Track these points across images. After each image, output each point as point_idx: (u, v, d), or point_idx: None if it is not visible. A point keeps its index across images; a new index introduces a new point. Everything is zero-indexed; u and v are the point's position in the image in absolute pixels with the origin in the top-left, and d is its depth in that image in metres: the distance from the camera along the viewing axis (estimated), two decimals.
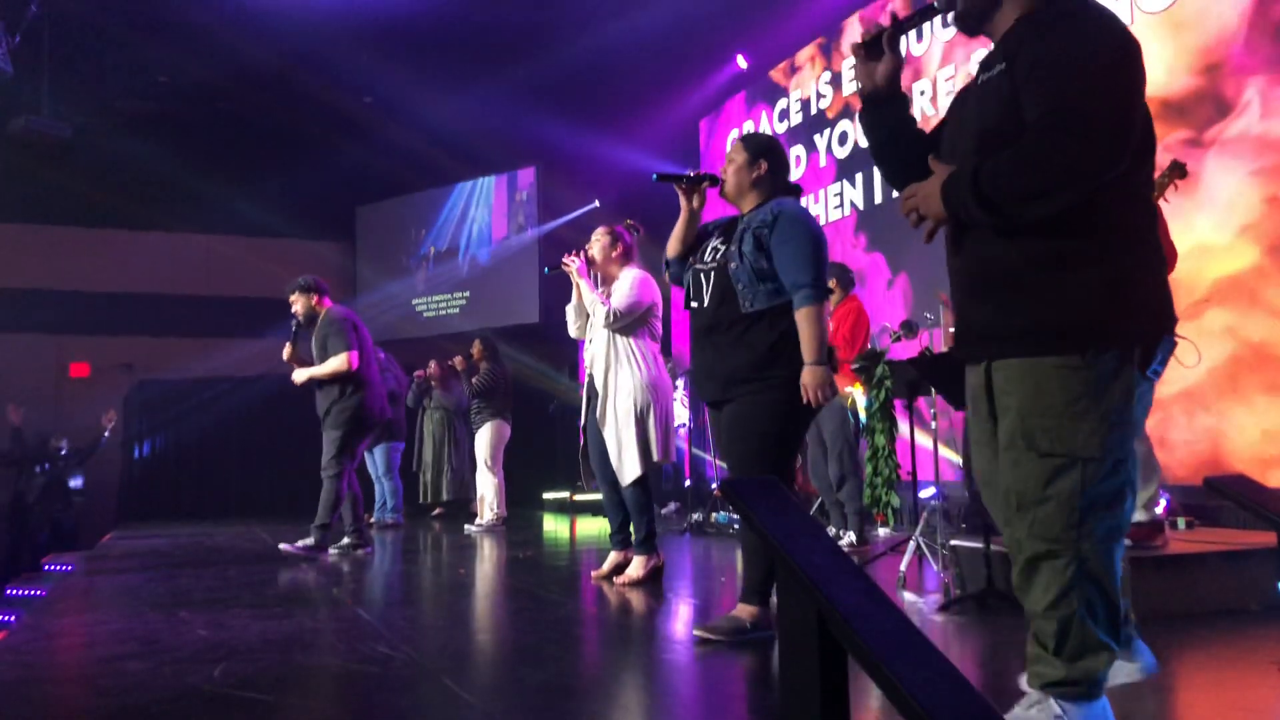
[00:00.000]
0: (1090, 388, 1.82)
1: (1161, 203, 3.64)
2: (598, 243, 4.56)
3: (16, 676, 2.83)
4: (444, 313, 12.97)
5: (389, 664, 2.81)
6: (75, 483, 10.72)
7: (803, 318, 3.04)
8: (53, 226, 12.04)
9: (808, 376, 3.00)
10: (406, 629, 3.40)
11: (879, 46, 2.07)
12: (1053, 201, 1.79)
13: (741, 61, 9.86)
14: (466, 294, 12.82)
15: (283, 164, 11.67)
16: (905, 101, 2.14)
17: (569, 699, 2.52)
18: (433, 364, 8.68)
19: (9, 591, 6.72)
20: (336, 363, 5.43)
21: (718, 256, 3.20)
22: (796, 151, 9.23)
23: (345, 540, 5.67)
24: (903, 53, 2.13)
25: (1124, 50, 1.83)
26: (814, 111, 8.99)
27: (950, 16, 2.05)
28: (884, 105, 2.12)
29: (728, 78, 10.16)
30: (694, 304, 3.28)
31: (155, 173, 11.55)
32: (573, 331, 4.73)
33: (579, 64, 9.45)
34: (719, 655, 2.86)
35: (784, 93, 9.49)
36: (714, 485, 7.26)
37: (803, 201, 3.04)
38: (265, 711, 2.36)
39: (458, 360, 8.30)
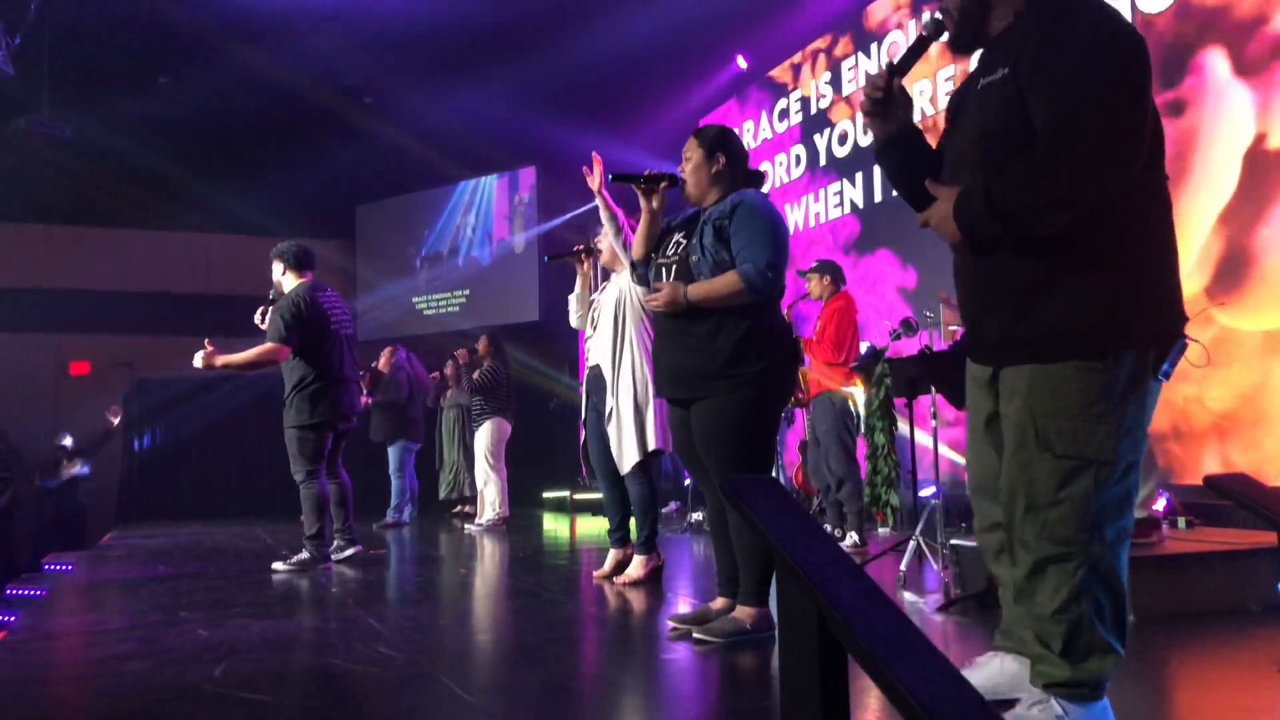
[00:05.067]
0: (1107, 391, 1.81)
1: None
2: (605, 237, 4.56)
3: (16, 676, 2.83)
4: (444, 311, 12.97)
5: (389, 664, 2.81)
6: (82, 470, 10.74)
7: (727, 277, 2.98)
8: (53, 226, 12.04)
9: (668, 288, 3.05)
10: (407, 629, 3.40)
11: (890, 97, 2.06)
12: (1071, 209, 1.76)
13: (741, 62, 9.86)
14: (467, 292, 12.83)
15: (283, 164, 11.67)
16: (918, 134, 2.12)
17: (569, 699, 2.52)
18: (450, 363, 8.65)
19: (9, 591, 6.72)
20: (256, 351, 4.95)
21: (679, 250, 3.18)
22: (797, 151, 9.22)
23: (335, 543, 5.32)
24: (909, 89, 2.12)
25: (1131, 47, 1.79)
26: (814, 111, 8.99)
27: (944, 40, 2.03)
28: (903, 145, 2.09)
29: (728, 78, 10.15)
30: None
31: (155, 173, 11.55)
32: (574, 321, 4.73)
33: (579, 64, 9.43)
34: (719, 656, 2.85)
35: (784, 92, 9.49)
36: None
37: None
38: (265, 711, 2.36)
39: (461, 355, 8.28)
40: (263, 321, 5.19)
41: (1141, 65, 1.79)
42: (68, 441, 10.94)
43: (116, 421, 10.79)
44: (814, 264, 5.84)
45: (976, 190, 1.83)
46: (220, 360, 4.96)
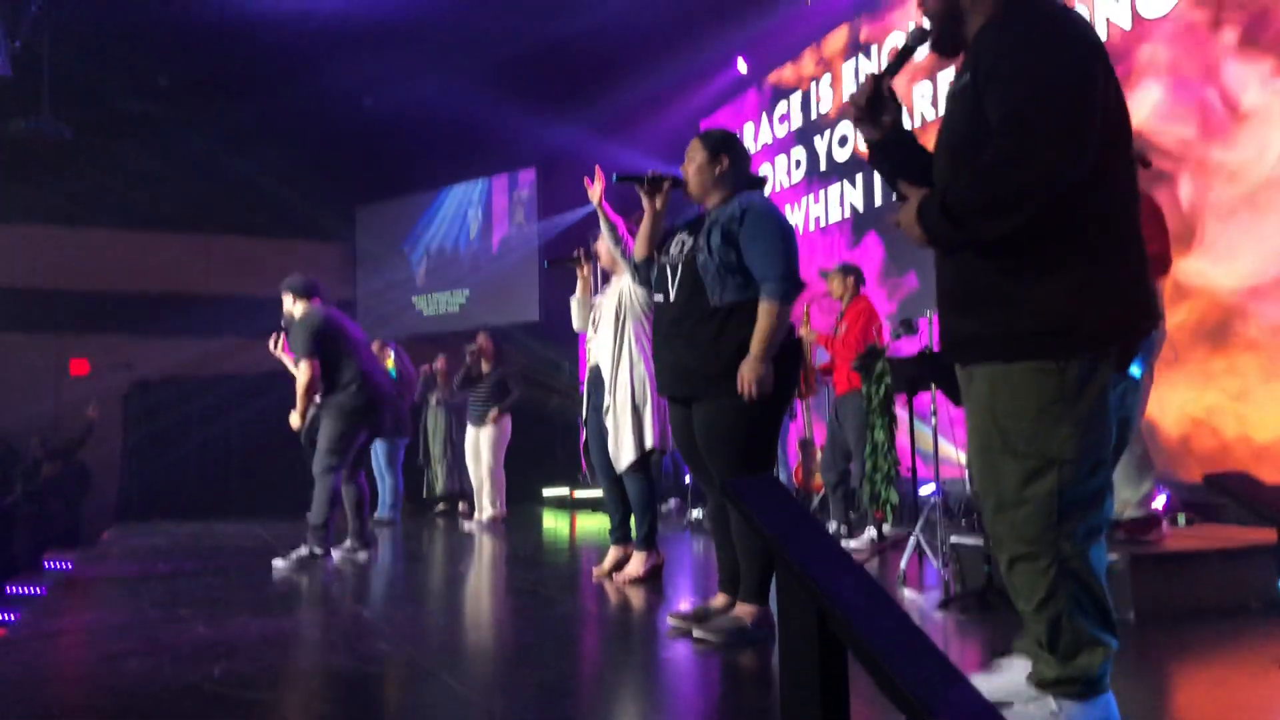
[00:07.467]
0: (1064, 391, 1.82)
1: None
2: (603, 241, 4.57)
3: (16, 675, 2.83)
4: (444, 311, 12.97)
5: (389, 663, 2.81)
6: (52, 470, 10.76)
7: (764, 311, 2.99)
8: (53, 226, 12.03)
9: (746, 369, 2.94)
10: (406, 627, 3.40)
11: (879, 100, 2.05)
12: (1015, 214, 1.78)
13: (742, 65, 9.85)
14: (467, 292, 12.83)
15: (283, 164, 11.67)
16: (912, 138, 2.12)
17: (569, 698, 2.52)
18: (440, 359, 8.64)
19: (9, 590, 6.72)
20: (300, 378, 5.28)
21: (684, 250, 3.17)
22: (797, 154, 9.22)
23: (346, 542, 5.46)
24: (898, 96, 2.11)
25: (1077, 50, 1.81)
26: (814, 114, 8.99)
27: (927, 46, 2.06)
28: (893, 147, 2.09)
29: (728, 79, 10.15)
30: (659, 298, 3.26)
31: (155, 173, 11.55)
32: (576, 324, 4.76)
33: (580, 65, 9.44)
34: (719, 654, 2.85)
35: (784, 94, 9.49)
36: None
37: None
38: (265, 711, 2.37)
39: (441, 361, 8.26)
40: (276, 346, 5.67)
41: (1086, 65, 1.80)
42: (39, 443, 10.94)
43: (94, 417, 10.76)
44: (836, 265, 6.00)
45: (935, 195, 1.86)
46: (295, 420, 5.35)
